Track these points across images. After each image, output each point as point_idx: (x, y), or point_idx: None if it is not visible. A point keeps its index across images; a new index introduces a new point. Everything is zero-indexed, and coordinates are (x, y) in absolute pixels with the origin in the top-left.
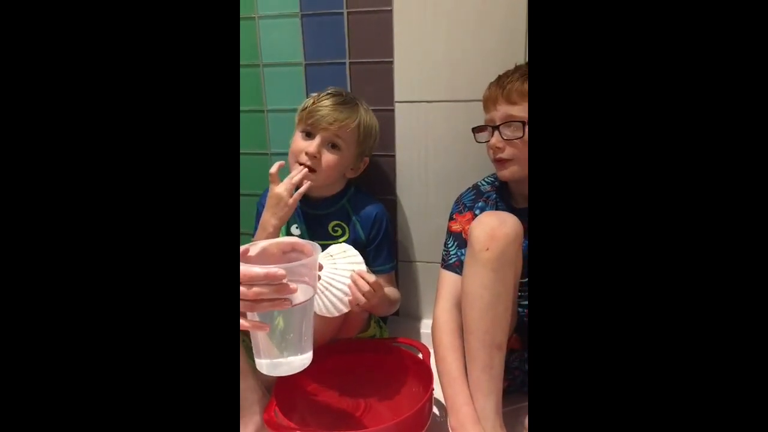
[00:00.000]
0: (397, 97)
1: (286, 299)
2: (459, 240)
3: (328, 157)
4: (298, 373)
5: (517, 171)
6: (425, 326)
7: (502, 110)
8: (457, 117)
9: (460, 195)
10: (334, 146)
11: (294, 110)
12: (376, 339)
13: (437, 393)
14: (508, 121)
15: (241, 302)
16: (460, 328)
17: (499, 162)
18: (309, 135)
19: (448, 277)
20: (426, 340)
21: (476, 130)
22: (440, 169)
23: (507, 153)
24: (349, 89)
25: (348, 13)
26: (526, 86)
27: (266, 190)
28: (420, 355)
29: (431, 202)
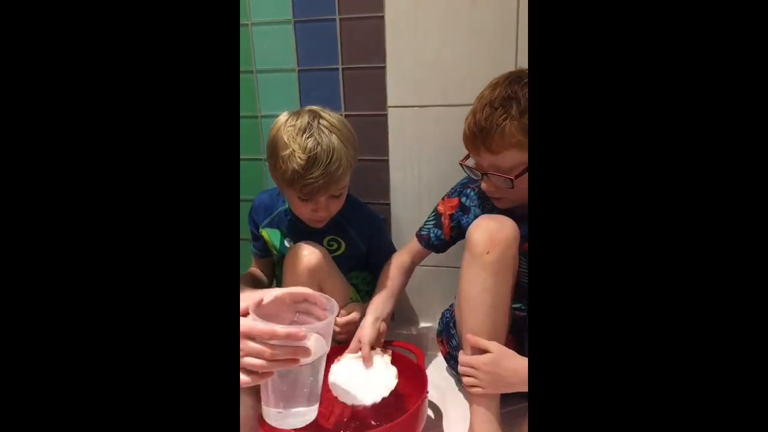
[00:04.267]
0: (389, 102)
1: (296, 360)
2: (437, 220)
3: (336, 205)
4: None
5: (513, 202)
6: (419, 330)
7: (487, 160)
8: (450, 121)
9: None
10: (337, 195)
11: None
12: None
13: (431, 396)
14: (495, 173)
15: (250, 358)
16: (410, 266)
17: (496, 199)
18: (308, 199)
19: (416, 244)
20: (420, 342)
21: (464, 164)
22: (433, 172)
23: (499, 194)
24: (342, 95)
25: (340, 19)
26: (506, 130)
27: (257, 197)
28: (414, 358)
29: (424, 205)
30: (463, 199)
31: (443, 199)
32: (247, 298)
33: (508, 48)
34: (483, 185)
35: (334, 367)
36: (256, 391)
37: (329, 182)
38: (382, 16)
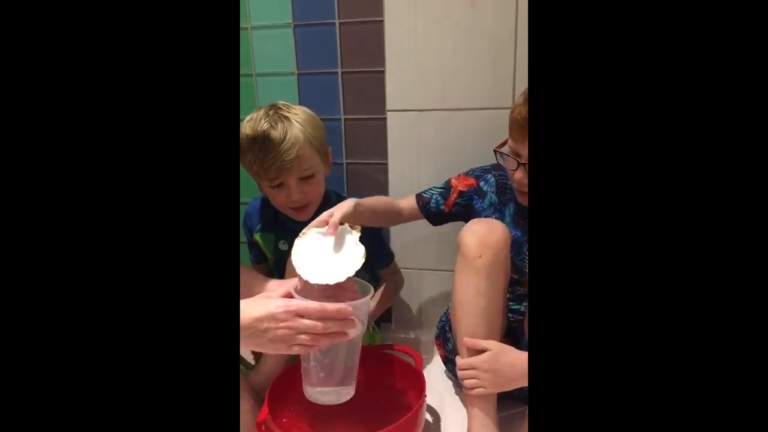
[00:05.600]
0: (389, 106)
1: (346, 333)
2: (446, 191)
3: (311, 188)
4: (291, 380)
5: None
6: (417, 333)
7: None
8: (448, 125)
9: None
10: (308, 177)
11: None
12: (368, 346)
13: (430, 400)
14: None
15: (301, 335)
16: (399, 209)
17: (522, 193)
18: (280, 184)
19: (412, 201)
20: (418, 347)
21: (499, 151)
22: (431, 176)
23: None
24: (341, 99)
25: (340, 23)
26: None
27: (250, 204)
28: (413, 362)
29: None
30: (482, 183)
31: (459, 175)
32: (280, 284)
33: (506, 52)
34: (517, 175)
35: (297, 241)
36: (255, 395)
37: (290, 162)
38: (382, 20)
